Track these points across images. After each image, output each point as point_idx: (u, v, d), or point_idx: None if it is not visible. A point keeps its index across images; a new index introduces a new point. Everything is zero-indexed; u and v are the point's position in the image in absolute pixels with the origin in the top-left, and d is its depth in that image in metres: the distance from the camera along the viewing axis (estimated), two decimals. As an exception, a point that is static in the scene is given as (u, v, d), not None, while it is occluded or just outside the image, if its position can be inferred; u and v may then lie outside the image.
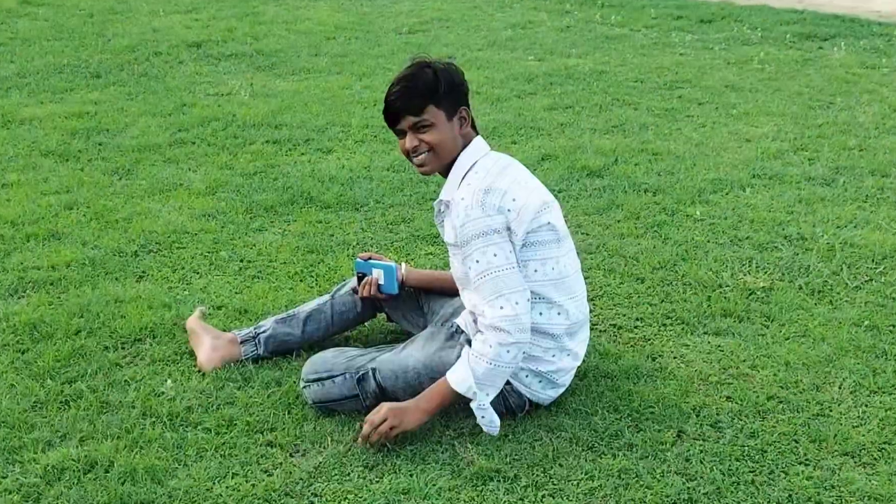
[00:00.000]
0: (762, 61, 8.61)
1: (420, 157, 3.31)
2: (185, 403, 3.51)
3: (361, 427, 3.28)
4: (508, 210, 3.20)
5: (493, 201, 3.19)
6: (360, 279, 3.82)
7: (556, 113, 7.15)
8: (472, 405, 3.21)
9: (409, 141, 3.30)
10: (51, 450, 3.23)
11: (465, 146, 3.33)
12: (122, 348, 3.92)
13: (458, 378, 3.19)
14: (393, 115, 3.30)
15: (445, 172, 3.36)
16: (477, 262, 3.18)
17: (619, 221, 5.19)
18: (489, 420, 3.23)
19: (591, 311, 4.03)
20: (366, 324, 4.05)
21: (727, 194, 5.55)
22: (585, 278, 4.39)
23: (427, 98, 3.25)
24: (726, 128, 6.78)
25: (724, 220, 5.17)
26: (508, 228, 3.21)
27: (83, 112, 7.28)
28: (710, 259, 4.70)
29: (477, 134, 3.39)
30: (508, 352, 3.14)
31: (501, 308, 3.14)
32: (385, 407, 3.23)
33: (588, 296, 4.15)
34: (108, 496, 2.99)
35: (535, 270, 3.27)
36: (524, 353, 3.25)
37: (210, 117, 7.11)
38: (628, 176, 5.83)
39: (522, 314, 3.14)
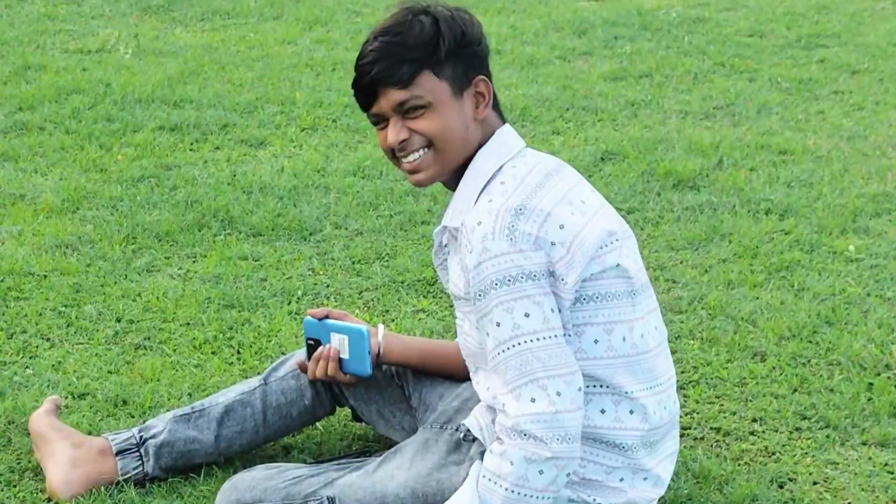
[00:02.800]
0: (953, 5, 8.63)
1: (412, 156, 3.29)
2: (26, 552, 3.49)
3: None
4: (552, 243, 3.17)
5: (527, 228, 3.15)
6: (310, 350, 3.79)
7: (624, 85, 7.14)
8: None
9: (394, 131, 3.28)
10: None
11: (483, 140, 3.32)
12: (-77, 463, 3.91)
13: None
14: (367, 88, 3.28)
15: (453, 183, 3.36)
16: (498, 325, 3.14)
17: (724, 261, 5.18)
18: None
19: (680, 407, 3.98)
20: (318, 424, 4.04)
21: (899, 219, 5.56)
22: (672, 353, 4.35)
23: (421, 61, 3.23)
24: (897, 112, 6.82)
25: (893, 261, 5.15)
26: (552, 274, 3.19)
27: None
28: (871, 323, 4.67)
29: (504, 122, 3.38)
30: (542, 473, 3.10)
31: (533, 401, 3.10)
32: None
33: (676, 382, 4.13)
34: None
35: (596, 342, 3.24)
36: (571, 475, 3.22)
37: (69, 88, 7.13)
38: (739, 188, 5.82)
39: (567, 412, 3.10)
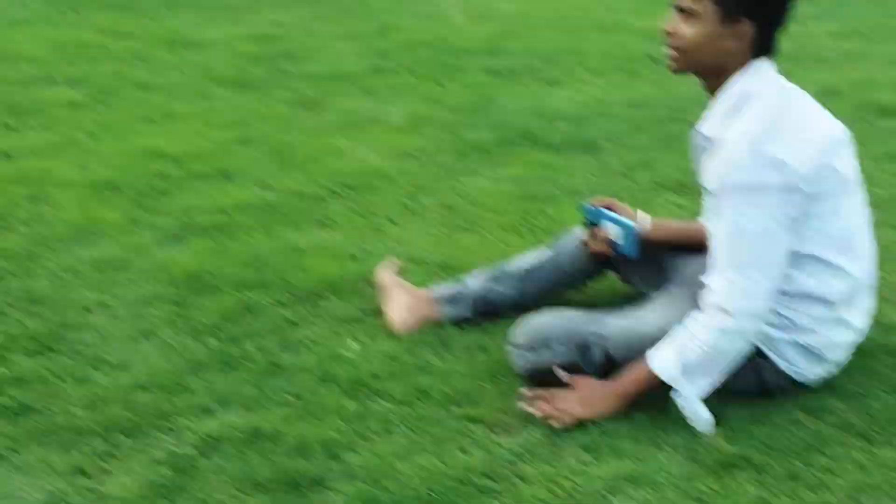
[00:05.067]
0: None
1: (667, 50, 3.41)
2: (370, 369, 3.72)
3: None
4: (786, 163, 3.26)
5: (770, 149, 3.27)
6: (589, 230, 4.01)
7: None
8: (676, 397, 3.37)
9: (669, 21, 3.38)
10: (208, 417, 3.46)
11: (734, 68, 3.36)
12: (299, 304, 4.18)
13: (662, 362, 3.36)
14: None
15: (711, 92, 3.43)
16: (730, 221, 3.29)
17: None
18: (694, 414, 3.36)
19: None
20: (589, 283, 4.22)
21: None
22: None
23: None
24: None
25: None
26: (789, 188, 3.27)
27: (265, 35, 7.87)
28: None
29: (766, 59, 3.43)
30: (730, 342, 3.31)
31: (731, 282, 3.27)
32: (572, 398, 3.43)
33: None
34: (274, 470, 3.18)
35: (816, 228, 3.37)
36: (786, 323, 3.42)
37: (416, 42, 7.56)
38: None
39: (757, 297, 3.28)
